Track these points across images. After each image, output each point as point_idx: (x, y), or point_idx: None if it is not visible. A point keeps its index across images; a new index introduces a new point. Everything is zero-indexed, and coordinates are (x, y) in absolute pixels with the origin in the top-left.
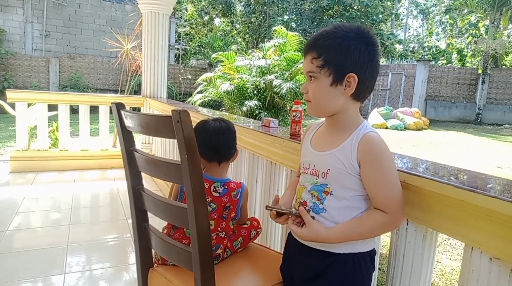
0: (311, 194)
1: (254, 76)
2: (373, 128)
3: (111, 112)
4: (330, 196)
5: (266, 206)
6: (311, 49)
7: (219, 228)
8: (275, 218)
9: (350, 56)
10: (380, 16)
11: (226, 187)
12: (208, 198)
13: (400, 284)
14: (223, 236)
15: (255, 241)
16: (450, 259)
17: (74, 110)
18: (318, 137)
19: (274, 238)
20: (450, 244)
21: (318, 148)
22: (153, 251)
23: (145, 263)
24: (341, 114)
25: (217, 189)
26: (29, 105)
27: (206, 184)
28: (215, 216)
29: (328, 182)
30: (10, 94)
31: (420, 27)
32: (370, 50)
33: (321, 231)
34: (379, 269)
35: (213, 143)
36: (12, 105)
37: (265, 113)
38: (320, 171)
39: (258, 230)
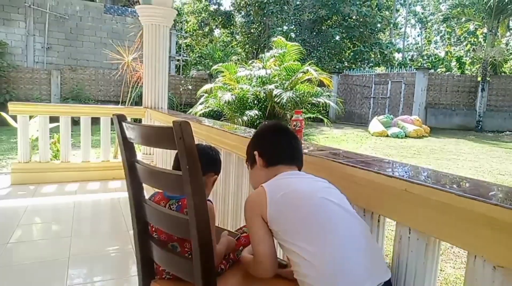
0: None
1: (254, 86)
2: (268, 183)
3: (112, 123)
4: None
5: None
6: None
7: (186, 249)
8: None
9: (250, 145)
10: (379, 25)
11: (179, 204)
12: None
13: None
14: None
15: None
16: (454, 268)
17: (75, 122)
18: None
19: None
20: (454, 252)
21: None
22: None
23: (147, 275)
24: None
25: (172, 207)
26: (30, 117)
27: (162, 203)
28: (176, 237)
29: None
30: (12, 107)
31: (418, 36)
32: (264, 133)
33: None
34: None
35: None
36: (14, 118)
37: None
38: None
39: None
